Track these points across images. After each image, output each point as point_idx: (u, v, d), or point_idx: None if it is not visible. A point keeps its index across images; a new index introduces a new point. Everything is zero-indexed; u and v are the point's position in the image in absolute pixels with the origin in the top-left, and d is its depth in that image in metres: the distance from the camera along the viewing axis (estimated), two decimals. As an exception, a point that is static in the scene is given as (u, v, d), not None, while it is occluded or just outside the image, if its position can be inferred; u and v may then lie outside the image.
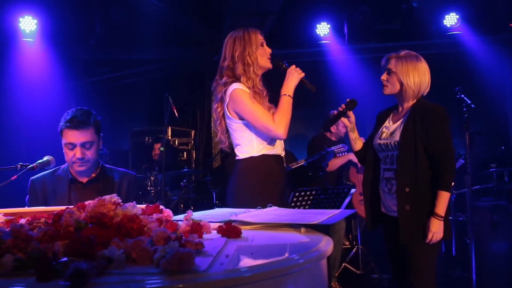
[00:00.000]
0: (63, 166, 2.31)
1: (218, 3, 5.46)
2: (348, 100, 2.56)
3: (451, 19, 6.08)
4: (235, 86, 2.33)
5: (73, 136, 2.15)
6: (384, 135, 2.47)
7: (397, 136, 2.37)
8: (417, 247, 2.30)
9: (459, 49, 6.02)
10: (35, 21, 5.17)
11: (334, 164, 4.37)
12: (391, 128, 2.45)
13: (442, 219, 2.25)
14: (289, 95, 2.37)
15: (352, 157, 4.42)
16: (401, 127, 2.37)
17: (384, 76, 2.45)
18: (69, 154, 2.18)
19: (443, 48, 6.00)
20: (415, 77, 2.37)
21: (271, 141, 2.38)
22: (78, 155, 2.15)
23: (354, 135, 2.63)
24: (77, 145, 2.16)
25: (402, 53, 2.44)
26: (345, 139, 4.72)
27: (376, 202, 2.50)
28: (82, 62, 5.85)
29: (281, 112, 2.33)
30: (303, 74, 2.40)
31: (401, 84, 2.40)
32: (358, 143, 2.64)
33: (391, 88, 2.44)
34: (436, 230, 2.24)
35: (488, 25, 6.03)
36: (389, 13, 6.24)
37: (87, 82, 6.21)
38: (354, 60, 6.23)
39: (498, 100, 6.34)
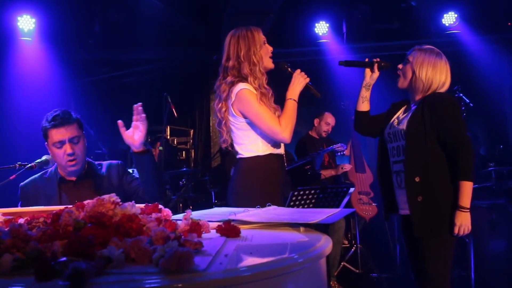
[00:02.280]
0: (50, 169, 2.29)
1: (217, 2, 5.46)
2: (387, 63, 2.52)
3: (450, 18, 6.08)
4: (242, 86, 2.30)
5: (60, 134, 2.14)
6: (394, 123, 2.42)
7: (404, 125, 2.31)
8: (432, 241, 2.22)
9: (457, 48, 6.02)
10: (34, 20, 5.15)
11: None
12: (400, 118, 2.41)
13: (468, 210, 2.16)
14: (294, 100, 2.36)
15: (335, 172, 4.48)
16: (409, 116, 2.32)
17: (400, 65, 2.43)
18: (59, 154, 2.16)
19: (442, 47, 5.89)
20: (428, 71, 2.31)
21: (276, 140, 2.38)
22: (69, 150, 2.14)
23: (366, 94, 2.55)
24: (65, 141, 2.15)
25: (426, 46, 2.40)
26: (340, 139, 4.72)
27: (390, 193, 2.43)
28: (80, 61, 5.83)
29: (287, 116, 2.32)
30: (308, 79, 2.39)
31: (413, 73, 2.34)
32: (365, 104, 2.56)
33: (403, 79, 2.39)
34: (462, 222, 2.16)
35: (487, 24, 6.03)
36: (388, 12, 6.24)
37: (85, 82, 6.19)
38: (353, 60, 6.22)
39: (496, 99, 6.35)
